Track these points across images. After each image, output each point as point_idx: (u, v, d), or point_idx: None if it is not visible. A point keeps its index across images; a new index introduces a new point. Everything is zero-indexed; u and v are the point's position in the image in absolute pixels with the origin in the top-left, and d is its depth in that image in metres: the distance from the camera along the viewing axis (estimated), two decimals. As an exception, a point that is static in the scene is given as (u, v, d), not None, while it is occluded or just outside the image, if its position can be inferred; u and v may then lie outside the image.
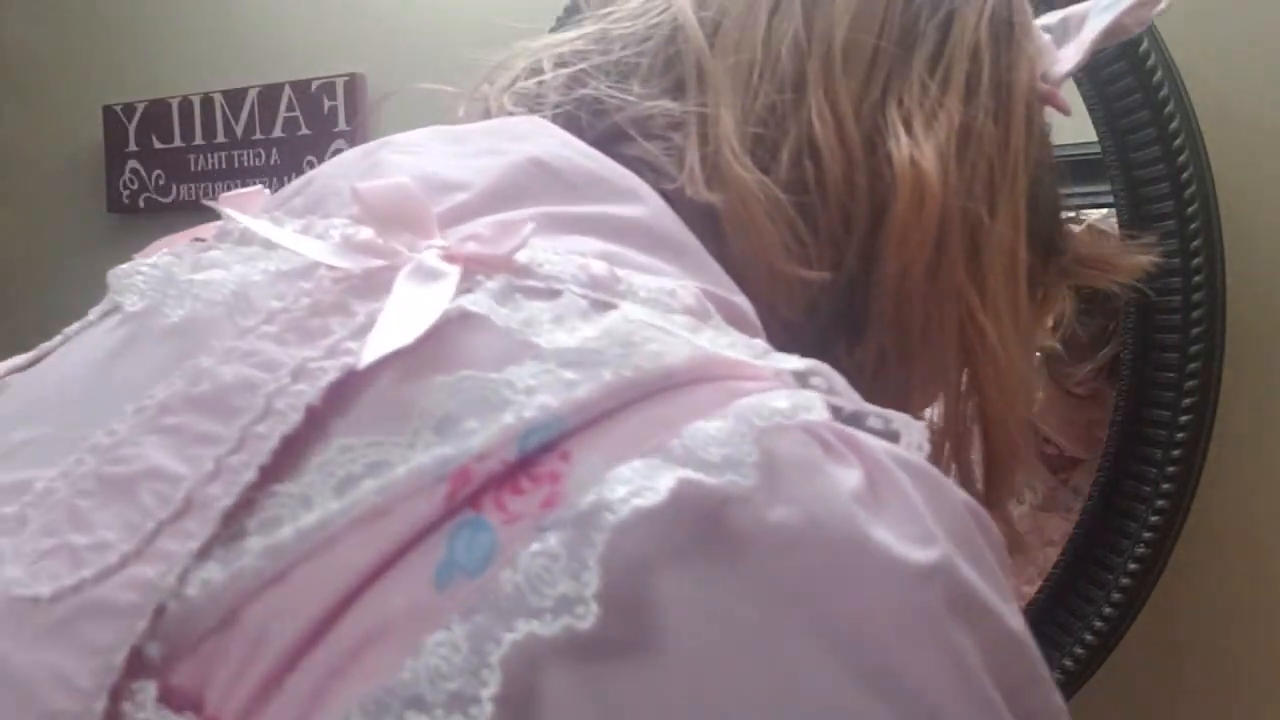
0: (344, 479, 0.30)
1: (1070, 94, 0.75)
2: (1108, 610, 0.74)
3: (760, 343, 0.35)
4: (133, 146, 1.31)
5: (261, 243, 0.41)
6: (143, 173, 1.31)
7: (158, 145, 1.29)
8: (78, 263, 1.39)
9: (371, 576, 0.28)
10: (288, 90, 1.19)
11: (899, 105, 0.45)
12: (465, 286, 0.34)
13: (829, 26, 0.46)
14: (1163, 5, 0.56)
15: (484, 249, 0.36)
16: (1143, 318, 0.74)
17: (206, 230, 0.48)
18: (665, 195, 0.43)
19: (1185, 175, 0.72)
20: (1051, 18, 0.57)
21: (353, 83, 1.15)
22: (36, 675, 0.29)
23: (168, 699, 0.28)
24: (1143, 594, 0.74)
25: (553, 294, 0.35)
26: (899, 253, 0.44)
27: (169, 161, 1.29)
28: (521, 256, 0.36)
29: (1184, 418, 0.72)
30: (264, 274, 0.37)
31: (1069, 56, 0.55)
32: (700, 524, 0.28)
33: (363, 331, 0.33)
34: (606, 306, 0.35)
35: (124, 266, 0.43)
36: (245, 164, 1.23)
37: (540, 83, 0.49)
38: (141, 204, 1.31)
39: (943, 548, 0.29)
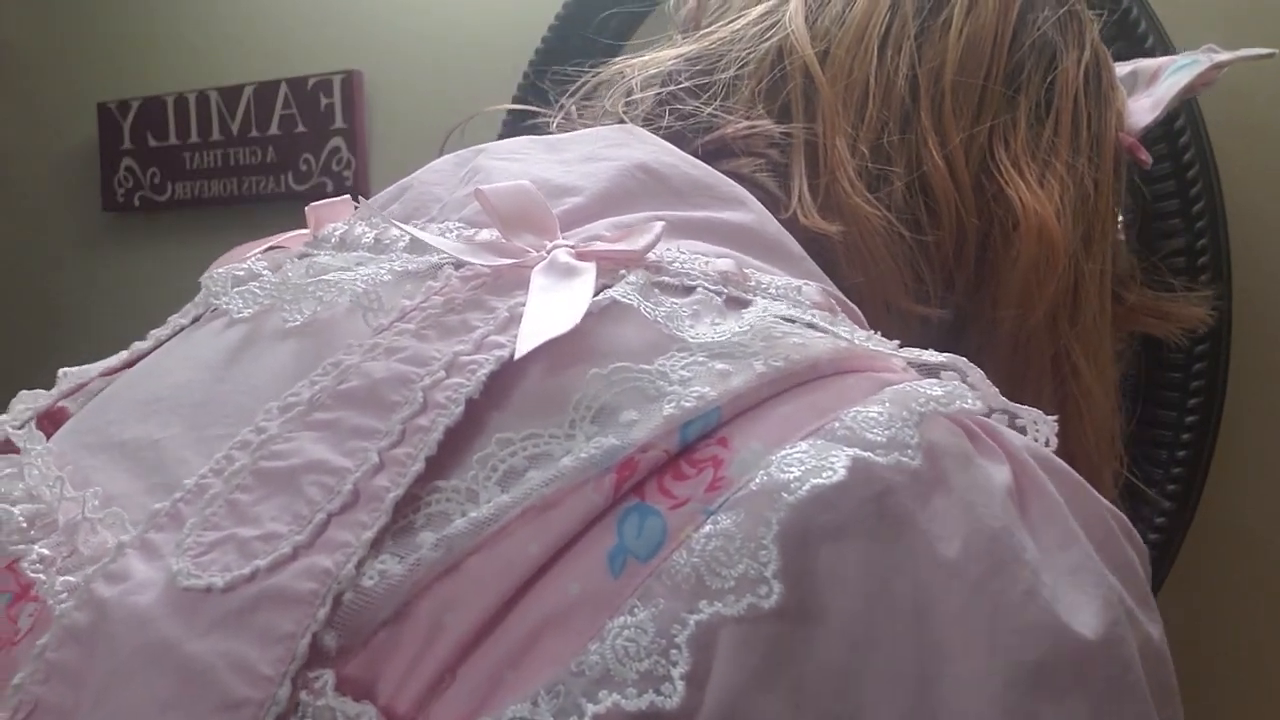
0: (507, 472, 0.31)
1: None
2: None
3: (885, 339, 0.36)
4: (127, 144, 1.30)
5: (366, 246, 0.41)
6: (138, 171, 1.30)
7: (153, 143, 1.28)
8: (73, 261, 1.38)
9: (543, 566, 0.29)
10: (284, 87, 1.18)
11: (1006, 147, 0.47)
12: (605, 281, 0.36)
13: (940, 64, 0.47)
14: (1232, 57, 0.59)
15: (615, 246, 0.37)
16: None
17: (286, 240, 0.48)
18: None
19: (1191, 174, 0.71)
20: (1122, 69, 0.58)
21: (349, 80, 1.14)
22: (215, 663, 0.29)
23: (342, 689, 0.29)
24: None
25: (687, 290, 0.36)
26: (1023, 301, 0.46)
27: (164, 159, 1.28)
28: (651, 254, 0.37)
29: (1190, 418, 0.72)
30: (390, 273, 0.38)
31: (1144, 109, 0.57)
32: (865, 503, 0.29)
33: (507, 325, 0.34)
34: (740, 303, 0.36)
35: (218, 271, 0.43)
36: (241, 162, 1.22)
37: (631, 102, 0.50)
38: (136, 202, 1.30)
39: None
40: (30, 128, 1.41)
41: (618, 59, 0.54)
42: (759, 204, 0.42)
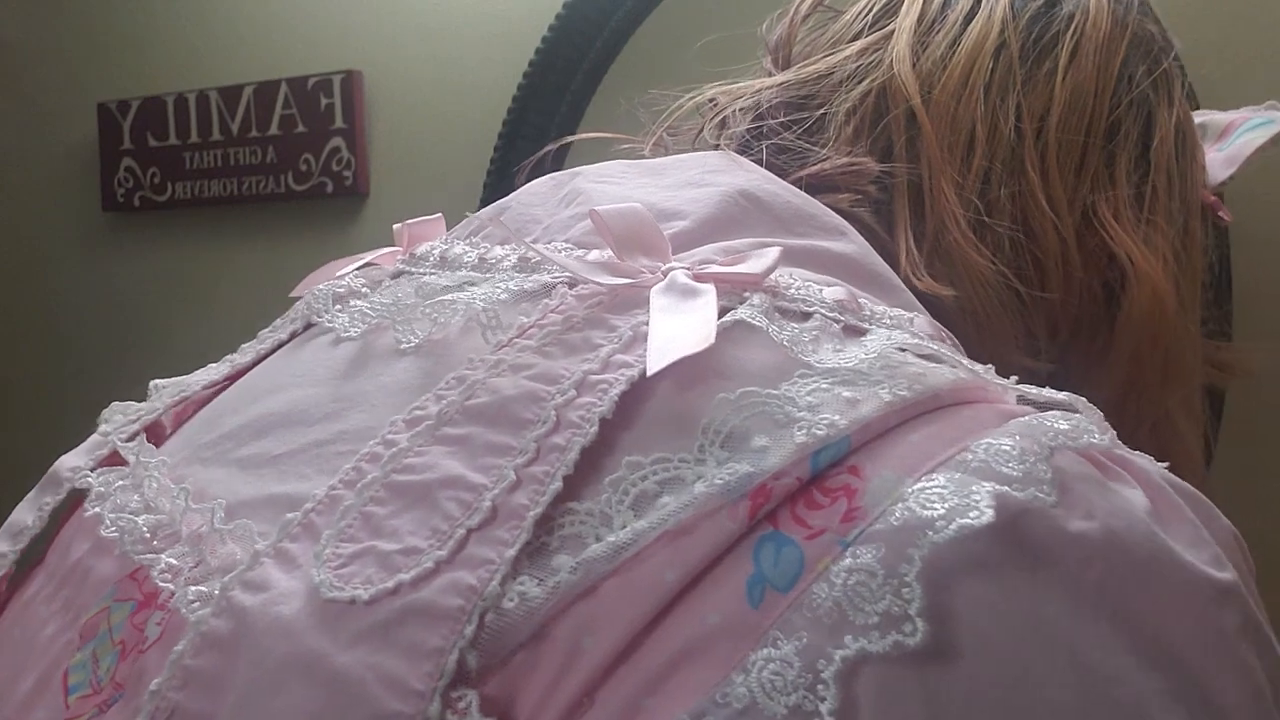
0: (638, 496, 0.31)
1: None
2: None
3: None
4: (127, 144, 1.30)
5: (470, 265, 0.42)
6: (138, 171, 1.30)
7: (153, 143, 1.28)
8: (73, 261, 1.38)
9: (680, 592, 0.29)
10: (284, 87, 1.18)
11: (1107, 204, 0.47)
12: (725, 303, 0.36)
13: (1044, 114, 0.47)
14: None
15: (734, 269, 0.37)
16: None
17: (379, 257, 0.48)
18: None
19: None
20: (1194, 119, 0.58)
21: (349, 80, 1.14)
22: (364, 676, 0.29)
23: (483, 709, 0.29)
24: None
25: (805, 316, 0.36)
26: (1133, 359, 0.46)
27: (164, 159, 1.28)
28: (771, 280, 0.37)
29: (1189, 418, 0.72)
30: (506, 292, 0.39)
31: (1219, 163, 0.58)
32: (1007, 540, 0.28)
33: (632, 344, 0.35)
34: (857, 330, 0.36)
35: (320, 288, 0.44)
36: (241, 162, 1.22)
37: (726, 132, 0.50)
38: (136, 202, 1.30)
39: (1233, 572, 0.31)
40: (30, 128, 1.41)
41: (709, 86, 0.54)
42: (859, 236, 0.43)
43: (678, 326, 0.34)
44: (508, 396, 0.34)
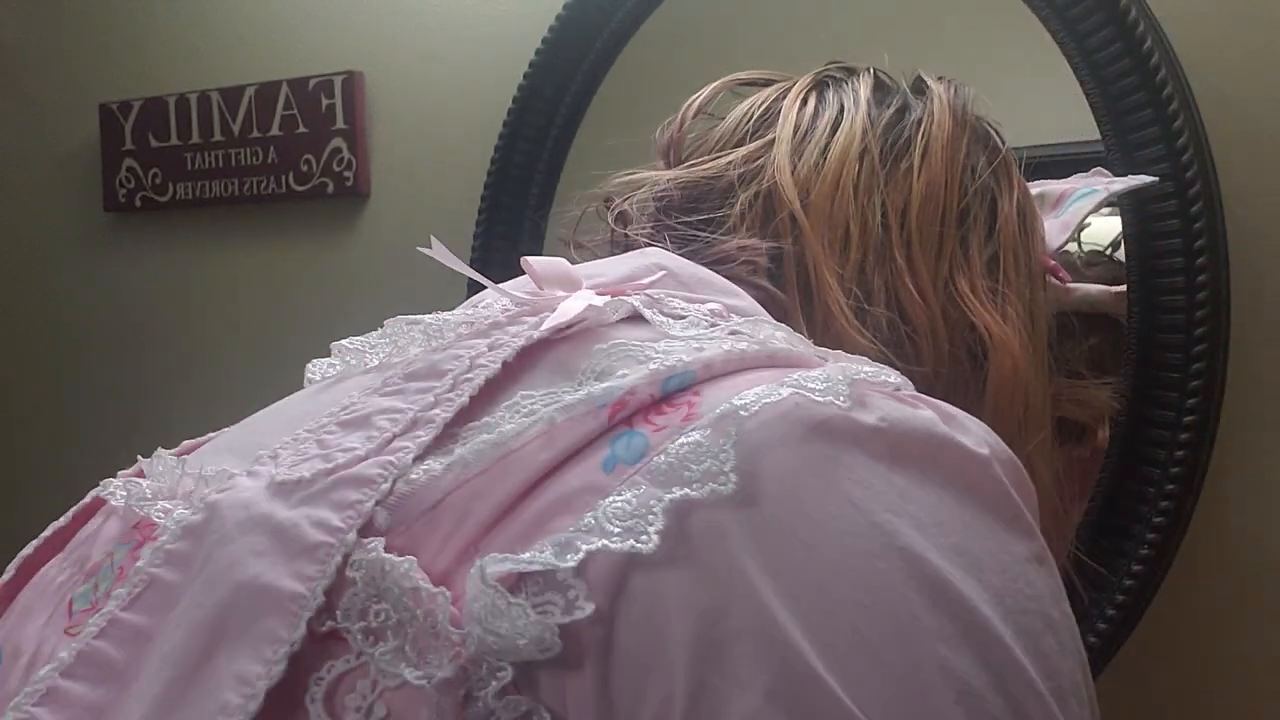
0: (526, 413, 0.40)
1: (1073, 89, 0.75)
2: (1111, 613, 0.74)
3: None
4: (129, 145, 1.31)
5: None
6: (139, 171, 1.30)
7: (154, 143, 1.29)
8: (74, 261, 1.39)
9: (550, 471, 0.38)
10: (285, 88, 1.19)
11: (966, 281, 0.56)
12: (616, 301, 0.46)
13: (904, 207, 0.56)
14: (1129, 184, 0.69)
15: (625, 285, 0.48)
16: (1146, 321, 0.73)
17: None
18: None
19: (1189, 174, 0.71)
20: (1032, 189, 0.66)
21: (350, 80, 1.14)
22: (300, 522, 0.39)
23: (388, 551, 0.38)
24: (1146, 598, 0.74)
25: (680, 317, 0.46)
26: (995, 419, 0.52)
27: (165, 160, 1.28)
28: (654, 293, 0.48)
29: (1187, 418, 0.72)
30: (454, 316, 0.48)
31: (1055, 231, 0.67)
32: (807, 426, 0.37)
33: (538, 326, 0.45)
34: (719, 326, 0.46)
35: (319, 360, 0.54)
36: (242, 162, 1.22)
37: (631, 226, 0.59)
38: (138, 203, 1.31)
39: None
40: (31, 128, 1.41)
41: (600, 187, 0.62)
42: (750, 296, 0.51)
43: (570, 308, 0.45)
44: (434, 361, 0.44)
